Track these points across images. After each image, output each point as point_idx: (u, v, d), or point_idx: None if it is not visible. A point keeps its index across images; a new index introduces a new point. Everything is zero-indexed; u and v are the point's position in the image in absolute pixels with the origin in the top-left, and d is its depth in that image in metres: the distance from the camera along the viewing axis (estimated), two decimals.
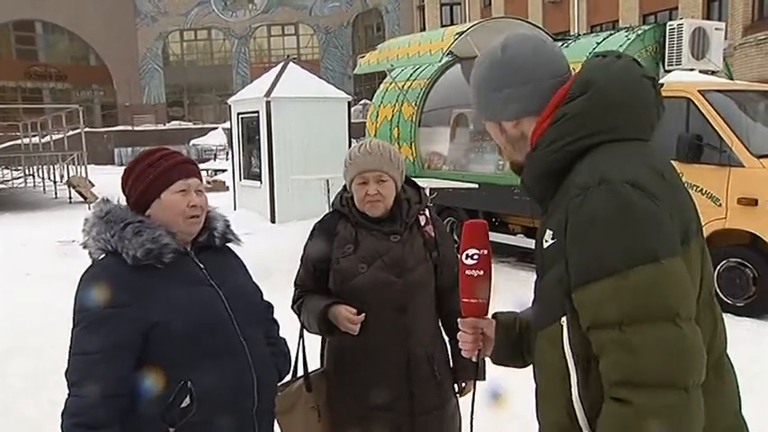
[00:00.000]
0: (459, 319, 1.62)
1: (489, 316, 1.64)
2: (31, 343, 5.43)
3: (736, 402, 1.38)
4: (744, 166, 5.99)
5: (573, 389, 1.29)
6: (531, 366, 1.48)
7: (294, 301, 2.40)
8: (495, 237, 8.52)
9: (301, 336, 2.38)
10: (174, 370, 1.74)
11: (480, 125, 8.84)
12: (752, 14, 17.38)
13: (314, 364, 2.41)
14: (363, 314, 2.16)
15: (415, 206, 2.35)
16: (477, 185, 7.43)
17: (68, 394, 1.71)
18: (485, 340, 1.63)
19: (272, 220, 11.00)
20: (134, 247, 1.74)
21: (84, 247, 1.83)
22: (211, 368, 1.77)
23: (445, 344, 2.40)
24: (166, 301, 1.74)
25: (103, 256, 1.80)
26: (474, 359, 1.62)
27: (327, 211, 2.45)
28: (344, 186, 2.38)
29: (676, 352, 1.17)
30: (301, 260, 2.41)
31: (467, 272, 1.57)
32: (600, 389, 1.25)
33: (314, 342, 2.44)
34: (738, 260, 6.08)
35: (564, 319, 1.29)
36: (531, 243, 7.93)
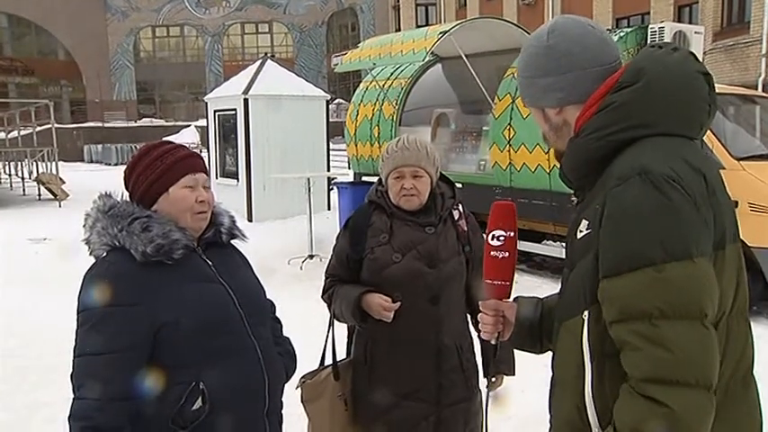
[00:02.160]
0: (480, 302, 1.60)
1: (511, 299, 1.62)
2: (2, 346, 5.25)
3: (760, 416, 1.37)
4: (724, 168, 6.06)
5: (586, 384, 1.28)
6: (551, 354, 1.46)
7: (325, 291, 2.43)
8: None
9: (331, 325, 2.40)
10: (186, 370, 1.68)
11: (462, 125, 8.83)
12: (721, 21, 17.71)
13: (339, 353, 2.43)
14: (398, 302, 2.20)
15: (449, 200, 2.39)
16: (460, 185, 7.41)
17: (74, 397, 1.63)
18: (504, 323, 1.61)
19: (249, 219, 10.88)
20: (143, 243, 1.67)
21: (87, 244, 1.75)
22: (223, 368, 1.71)
23: (472, 338, 2.43)
24: (177, 299, 1.68)
25: (104, 254, 1.73)
26: (493, 342, 1.61)
27: (361, 204, 2.46)
28: (379, 179, 2.42)
29: (706, 352, 1.15)
30: (333, 250, 2.43)
31: (492, 253, 1.54)
32: (614, 390, 1.22)
33: (339, 332, 2.44)
34: None
35: (586, 312, 1.27)
36: None
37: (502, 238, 1.54)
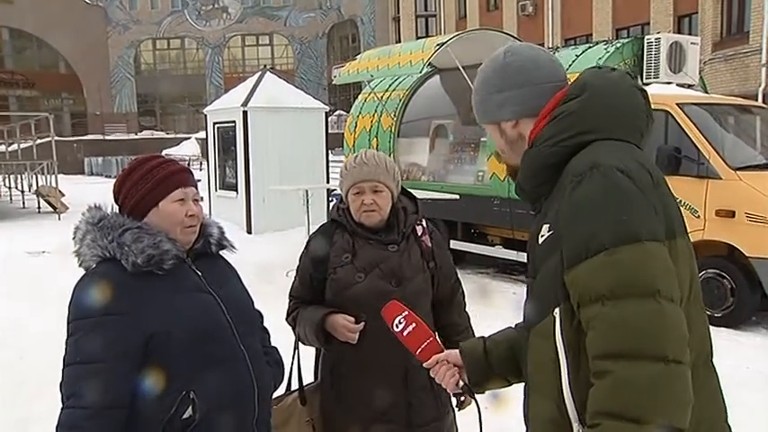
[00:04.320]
0: (427, 369, 1.71)
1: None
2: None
3: (723, 400, 1.41)
4: (721, 179, 6.07)
5: (563, 381, 1.32)
6: (525, 367, 1.49)
7: (289, 314, 2.37)
8: (474, 248, 8.53)
9: (296, 348, 2.34)
10: (176, 380, 1.69)
11: (460, 136, 8.85)
12: (720, 31, 17.77)
13: (307, 377, 2.37)
14: (363, 322, 2.16)
15: (412, 216, 2.35)
16: (458, 196, 7.42)
17: (63, 407, 1.63)
18: (459, 369, 1.68)
19: (249, 231, 10.87)
20: (134, 254, 1.69)
21: (77, 256, 1.77)
22: (213, 377, 1.73)
23: None
24: (168, 309, 1.70)
25: (95, 265, 1.74)
26: (461, 389, 1.69)
27: (323, 222, 2.44)
28: (341, 197, 2.37)
29: (654, 325, 1.19)
30: (297, 271, 2.38)
31: (404, 333, 1.71)
32: (590, 380, 1.26)
33: (307, 355, 2.39)
34: (716, 271, 6.15)
35: (557, 310, 1.32)
36: (509, 254, 7.94)
37: (401, 321, 1.72)
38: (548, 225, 1.37)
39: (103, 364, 1.62)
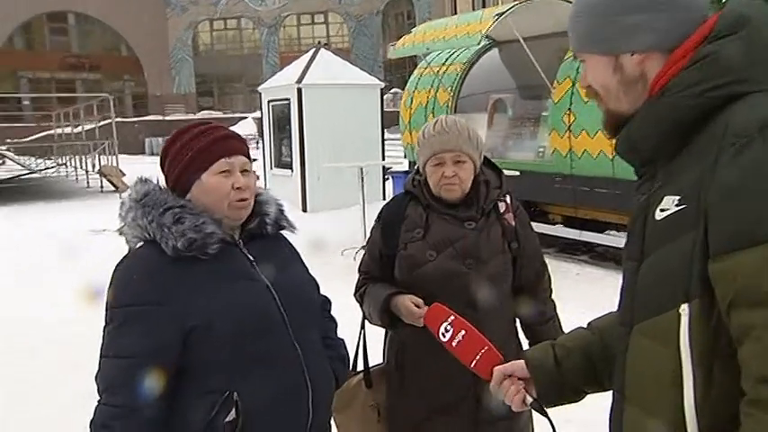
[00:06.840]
0: (490, 387, 1.47)
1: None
2: (61, 334, 5.33)
3: None
4: None
5: (687, 398, 1.04)
6: (614, 369, 1.23)
7: (357, 289, 2.21)
8: (534, 227, 8.18)
9: (363, 327, 2.20)
10: (218, 378, 1.54)
11: (519, 111, 8.52)
12: None
13: (377, 357, 2.22)
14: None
15: (495, 191, 2.13)
16: (518, 173, 7.15)
17: (98, 402, 1.52)
18: (525, 382, 1.42)
19: (304, 209, 10.86)
20: (174, 237, 1.52)
21: (121, 234, 1.63)
22: (260, 377, 1.56)
23: (521, 346, 2.18)
24: (210, 299, 1.53)
25: (140, 244, 1.60)
26: (529, 407, 1.43)
27: (379, 199, 2.28)
28: (417, 168, 2.18)
29: None
30: (366, 244, 2.24)
31: (453, 344, 1.52)
32: (725, 399, 1.00)
33: (378, 334, 2.25)
34: None
35: (685, 306, 1.03)
36: (571, 233, 7.62)
37: (448, 328, 1.54)
38: (676, 197, 1.07)
39: (136, 359, 1.49)
